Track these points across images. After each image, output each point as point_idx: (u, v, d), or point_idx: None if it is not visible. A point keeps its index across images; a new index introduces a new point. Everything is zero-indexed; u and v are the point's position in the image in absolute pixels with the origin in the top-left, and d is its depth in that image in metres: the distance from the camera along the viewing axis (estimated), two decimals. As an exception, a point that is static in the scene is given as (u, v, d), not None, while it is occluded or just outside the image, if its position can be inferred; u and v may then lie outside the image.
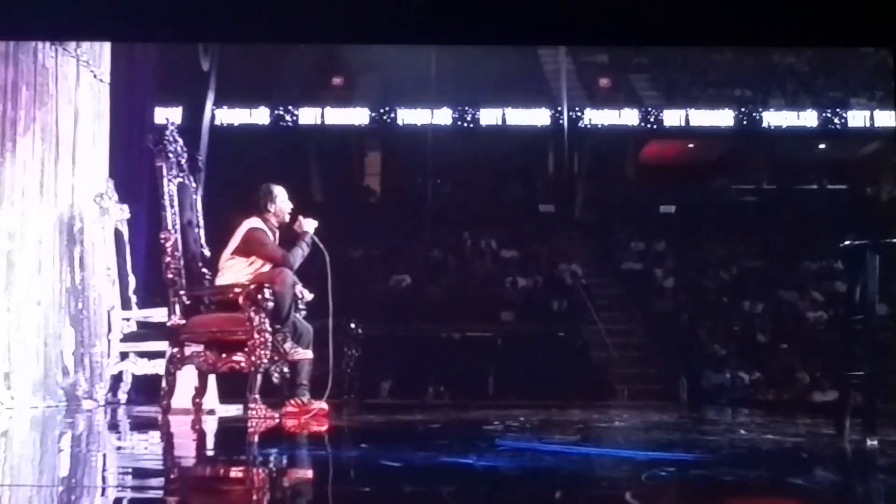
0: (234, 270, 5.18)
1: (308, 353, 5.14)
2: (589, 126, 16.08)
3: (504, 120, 16.34)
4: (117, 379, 6.66)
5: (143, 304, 6.71)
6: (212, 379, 5.50)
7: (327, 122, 16.35)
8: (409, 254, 14.20)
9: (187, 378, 5.18)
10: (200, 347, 5.01)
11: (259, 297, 4.84)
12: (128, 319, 6.52)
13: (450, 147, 15.57)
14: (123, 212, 6.62)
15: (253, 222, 5.30)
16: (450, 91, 15.80)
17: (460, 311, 12.98)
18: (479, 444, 4.23)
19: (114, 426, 5.40)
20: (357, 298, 12.24)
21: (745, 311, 13.69)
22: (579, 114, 16.08)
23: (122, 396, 6.59)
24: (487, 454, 3.65)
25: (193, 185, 5.30)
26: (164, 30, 4.76)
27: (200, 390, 5.08)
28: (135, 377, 6.48)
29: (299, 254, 5.25)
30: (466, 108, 16.23)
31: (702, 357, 12.74)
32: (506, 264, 14.30)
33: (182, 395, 5.20)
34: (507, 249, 14.69)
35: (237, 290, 4.90)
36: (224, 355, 4.88)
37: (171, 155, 5.02)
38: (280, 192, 5.49)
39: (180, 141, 5.13)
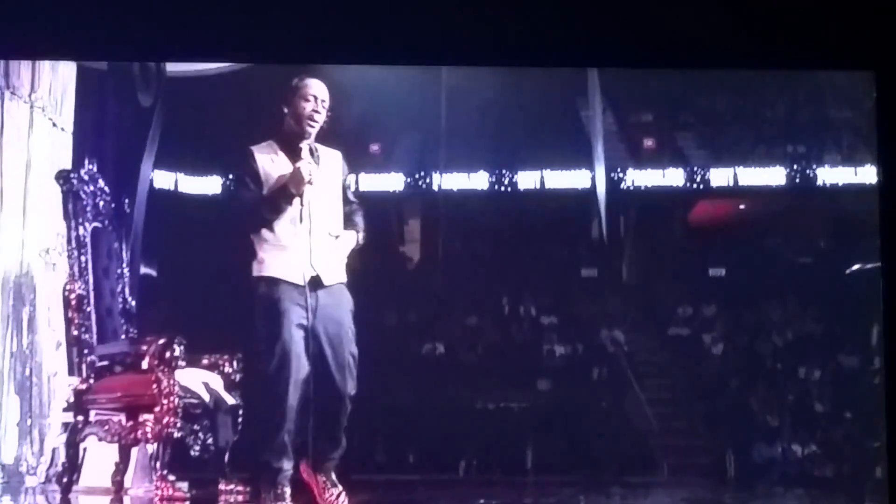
0: None
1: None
2: (632, 188, 15.60)
3: (543, 183, 15.93)
4: (76, 452, 6.10)
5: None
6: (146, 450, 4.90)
7: (362, 188, 16.09)
8: (444, 320, 13.81)
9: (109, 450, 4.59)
10: (106, 415, 4.43)
11: (168, 354, 4.25)
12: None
13: (488, 211, 15.26)
14: (75, 268, 6.12)
15: None
16: (486, 154, 15.53)
17: (496, 379, 12.53)
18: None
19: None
20: (388, 366, 11.96)
21: (800, 378, 13.01)
22: (622, 175, 15.60)
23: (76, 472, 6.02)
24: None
25: (114, 231, 4.78)
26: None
27: (121, 465, 4.47)
28: (86, 451, 5.91)
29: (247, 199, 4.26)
30: (504, 170, 15.87)
31: (752, 428, 12.12)
32: (545, 330, 13.86)
33: (103, 471, 4.61)
34: (546, 315, 14.22)
35: (143, 347, 4.32)
36: (130, 423, 4.29)
37: (83, 196, 4.53)
38: (302, 85, 4.60)
39: (99, 182, 4.64)
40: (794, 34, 4.60)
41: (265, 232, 4.43)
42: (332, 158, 4.51)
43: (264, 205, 4.31)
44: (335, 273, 4.56)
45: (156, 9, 4.37)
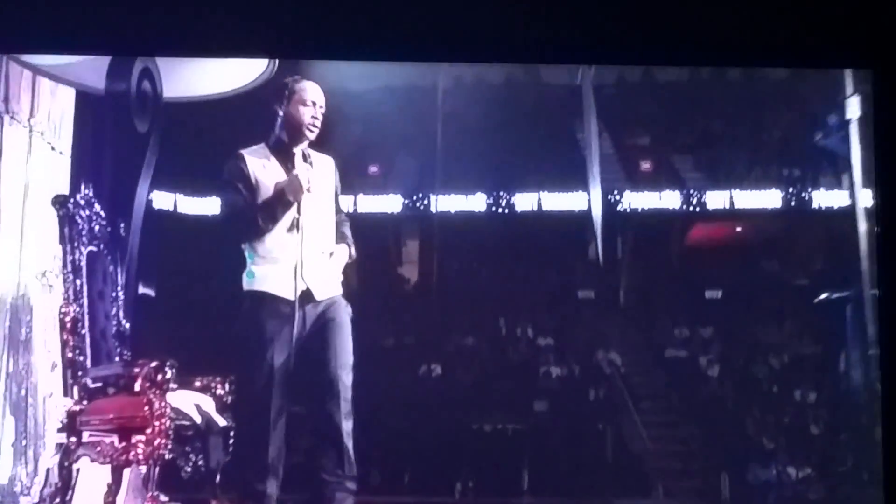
0: None
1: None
2: (628, 210, 15.69)
3: (540, 205, 16.04)
4: (69, 473, 6.15)
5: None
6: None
7: (360, 210, 16.15)
8: (441, 341, 13.83)
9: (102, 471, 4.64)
10: (99, 436, 4.49)
11: (159, 377, 4.30)
12: (73, 408, 6.00)
13: (485, 233, 15.32)
14: (72, 290, 6.17)
15: None
16: (483, 177, 15.61)
17: (492, 400, 12.56)
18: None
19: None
20: (384, 387, 11.98)
21: (797, 400, 13.01)
22: (618, 197, 15.69)
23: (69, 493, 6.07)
24: None
25: (110, 255, 4.85)
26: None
27: (114, 486, 4.52)
28: (79, 471, 5.95)
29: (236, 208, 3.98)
30: (501, 193, 15.97)
31: (748, 451, 12.11)
32: (541, 352, 13.89)
33: (95, 492, 4.66)
34: (543, 337, 14.24)
35: (135, 369, 4.38)
36: (122, 445, 4.33)
37: (79, 220, 4.60)
38: (299, 88, 4.37)
39: (95, 206, 4.72)
40: (792, 30, 4.65)
41: (256, 244, 4.32)
42: (324, 165, 4.37)
43: (259, 212, 4.17)
44: (328, 287, 4.43)
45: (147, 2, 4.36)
